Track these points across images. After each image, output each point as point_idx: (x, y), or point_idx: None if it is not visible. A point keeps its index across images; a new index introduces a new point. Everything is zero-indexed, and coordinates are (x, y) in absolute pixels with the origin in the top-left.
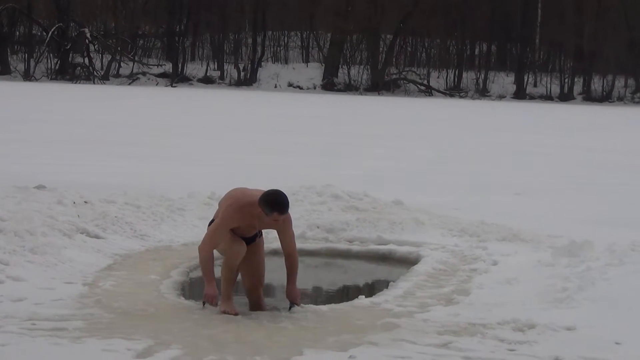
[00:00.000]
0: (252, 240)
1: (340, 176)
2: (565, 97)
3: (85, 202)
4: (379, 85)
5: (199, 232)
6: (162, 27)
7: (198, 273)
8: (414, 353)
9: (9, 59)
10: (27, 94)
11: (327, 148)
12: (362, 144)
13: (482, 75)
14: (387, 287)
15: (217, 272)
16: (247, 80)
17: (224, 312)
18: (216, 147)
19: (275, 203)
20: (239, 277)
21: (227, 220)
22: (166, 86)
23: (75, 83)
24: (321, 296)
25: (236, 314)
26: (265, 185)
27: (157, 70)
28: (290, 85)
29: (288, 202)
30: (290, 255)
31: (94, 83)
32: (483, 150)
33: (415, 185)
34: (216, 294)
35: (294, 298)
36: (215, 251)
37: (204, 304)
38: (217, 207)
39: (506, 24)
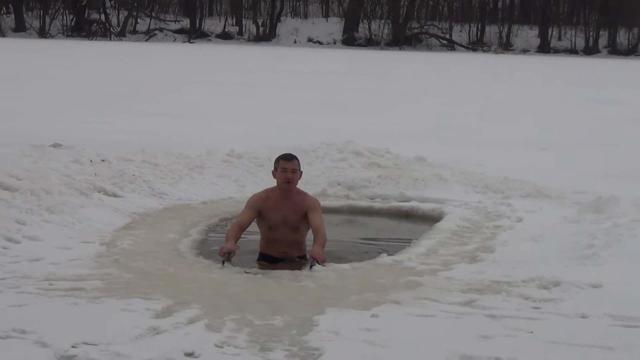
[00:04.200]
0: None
1: (361, 132)
2: (590, 50)
3: (103, 160)
4: (401, 39)
5: (218, 189)
6: None
7: (217, 232)
8: (438, 311)
9: (24, 15)
10: (43, 51)
11: (347, 104)
12: (383, 99)
13: (506, 29)
14: (409, 245)
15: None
16: (266, 35)
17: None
18: (235, 104)
19: (279, 156)
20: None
21: (250, 201)
22: (184, 42)
23: (92, 40)
24: (343, 254)
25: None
26: (285, 141)
27: (174, 26)
28: (309, 40)
29: (294, 155)
30: (317, 228)
31: (110, 40)
32: (507, 105)
33: (438, 141)
34: (230, 249)
35: (317, 257)
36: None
37: (223, 263)
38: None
39: None
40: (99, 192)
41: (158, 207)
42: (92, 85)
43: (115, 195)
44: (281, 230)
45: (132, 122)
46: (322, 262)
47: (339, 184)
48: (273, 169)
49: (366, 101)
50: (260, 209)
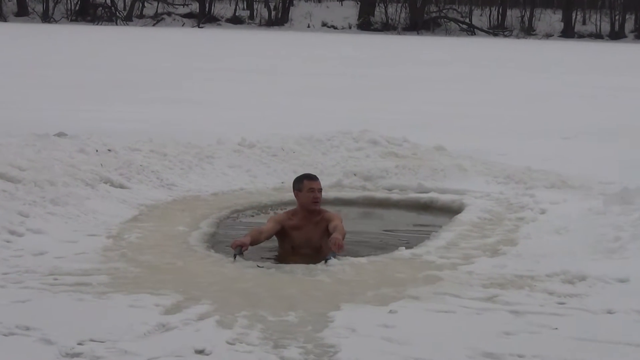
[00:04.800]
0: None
1: (378, 121)
2: (616, 35)
3: (109, 150)
4: (418, 24)
5: (229, 180)
6: None
7: (228, 224)
8: (458, 307)
9: None
10: (46, 36)
11: (363, 91)
12: (401, 86)
13: (528, 13)
14: (428, 238)
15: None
16: (279, 20)
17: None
18: (246, 92)
19: (301, 176)
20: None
21: (272, 217)
22: (193, 27)
23: (97, 24)
24: (359, 248)
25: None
26: (298, 130)
27: (183, 10)
28: (324, 25)
29: (315, 175)
30: (336, 226)
31: (116, 24)
32: (529, 93)
33: (458, 130)
34: (243, 242)
35: (335, 242)
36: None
37: (234, 257)
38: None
39: None
40: (105, 183)
41: (167, 198)
42: (97, 72)
43: (122, 187)
44: (304, 250)
45: (139, 110)
46: (340, 249)
47: (355, 175)
48: (295, 189)
49: (383, 88)
50: (283, 225)
